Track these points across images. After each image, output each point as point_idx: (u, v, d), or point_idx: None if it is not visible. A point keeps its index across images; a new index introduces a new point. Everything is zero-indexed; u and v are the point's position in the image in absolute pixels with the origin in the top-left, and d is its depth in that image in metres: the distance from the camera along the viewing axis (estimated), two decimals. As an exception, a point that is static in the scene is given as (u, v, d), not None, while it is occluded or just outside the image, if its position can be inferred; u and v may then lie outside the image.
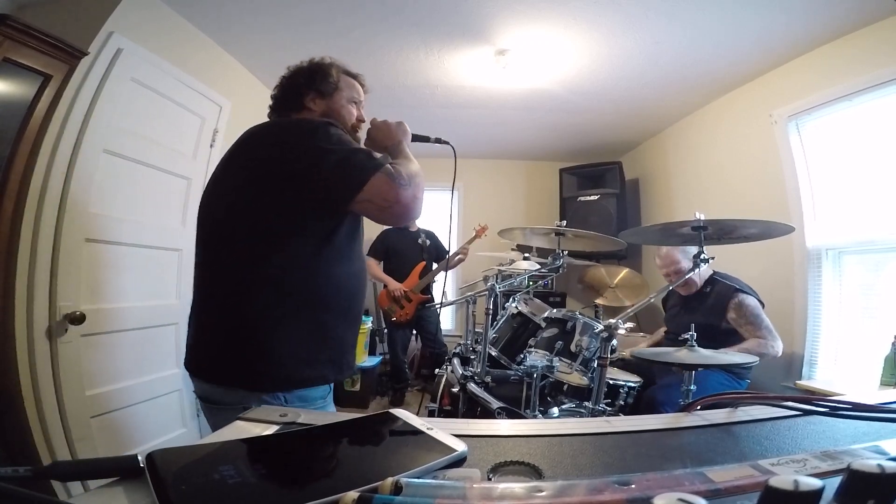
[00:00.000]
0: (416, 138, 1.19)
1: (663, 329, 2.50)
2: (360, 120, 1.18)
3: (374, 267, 3.52)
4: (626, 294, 3.42)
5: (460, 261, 3.49)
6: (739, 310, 2.07)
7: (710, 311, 2.13)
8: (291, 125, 1.02)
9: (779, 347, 2.02)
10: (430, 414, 2.04)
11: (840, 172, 2.30)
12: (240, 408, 0.79)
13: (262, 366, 0.92)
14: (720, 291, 2.15)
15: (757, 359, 1.47)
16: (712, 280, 2.22)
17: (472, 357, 2.13)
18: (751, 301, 2.09)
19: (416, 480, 0.36)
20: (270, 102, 1.18)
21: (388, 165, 0.95)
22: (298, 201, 0.92)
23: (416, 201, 0.97)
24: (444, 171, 5.10)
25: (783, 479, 0.23)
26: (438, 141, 1.23)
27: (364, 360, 3.55)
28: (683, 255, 2.24)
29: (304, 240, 0.94)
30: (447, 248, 3.72)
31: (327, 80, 1.13)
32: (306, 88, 1.12)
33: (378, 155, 0.96)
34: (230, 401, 0.92)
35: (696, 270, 1.31)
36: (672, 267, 2.25)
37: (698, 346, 1.33)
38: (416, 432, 0.48)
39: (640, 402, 1.96)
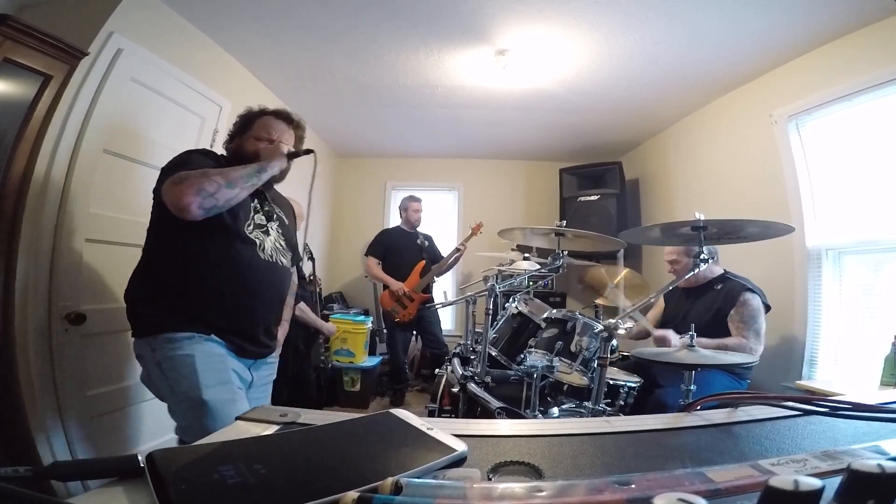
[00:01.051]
0: (291, 156, 1.42)
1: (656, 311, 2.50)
2: (271, 141, 1.46)
3: (375, 267, 3.52)
4: (626, 294, 3.42)
5: (458, 258, 3.52)
6: (741, 307, 2.08)
7: (721, 304, 2.13)
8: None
9: (758, 352, 2.01)
10: (430, 414, 2.04)
11: (840, 172, 2.30)
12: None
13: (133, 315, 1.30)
14: (732, 287, 2.16)
15: (757, 359, 1.47)
16: (723, 278, 2.22)
17: (472, 357, 2.13)
18: (755, 302, 2.09)
19: (416, 480, 0.36)
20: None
21: (180, 174, 1.22)
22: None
23: (179, 192, 1.18)
24: (444, 171, 5.11)
25: (783, 479, 0.23)
26: (307, 152, 1.45)
27: (364, 360, 3.55)
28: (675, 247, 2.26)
29: (167, 226, 1.26)
30: (440, 253, 3.74)
31: (239, 127, 1.52)
32: (232, 134, 1.54)
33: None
34: (136, 351, 1.31)
35: (697, 270, 1.30)
36: (674, 256, 2.27)
37: (698, 334, 1.33)
38: (416, 432, 0.48)
39: (645, 404, 1.95)
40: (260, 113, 1.51)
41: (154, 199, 1.31)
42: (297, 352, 2.53)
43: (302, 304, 2.38)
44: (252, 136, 1.46)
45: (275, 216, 1.48)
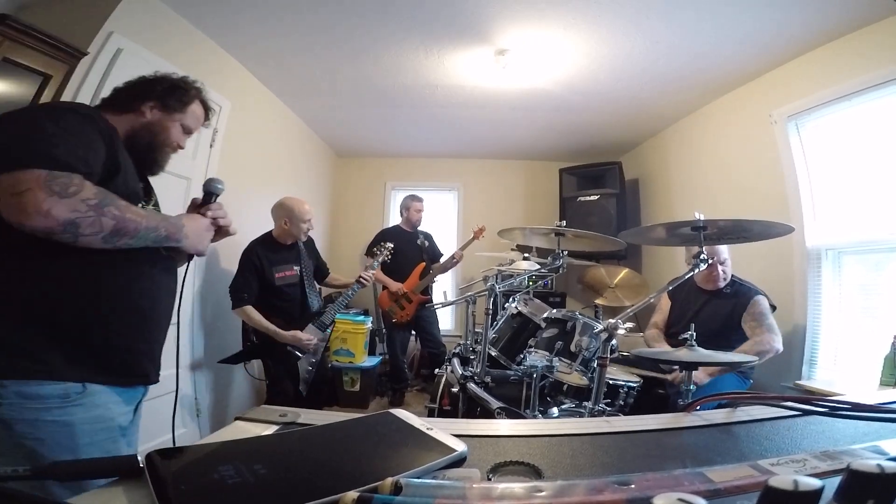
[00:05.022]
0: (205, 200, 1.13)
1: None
2: (180, 147, 1.16)
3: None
4: (625, 294, 3.42)
5: (455, 263, 3.53)
6: (752, 308, 2.11)
7: (733, 309, 2.14)
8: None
9: (778, 344, 2.04)
10: (430, 414, 2.04)
11: (840, 172, 2.30)
12: None
13: None
14: (742, 292, 2.17)
15: (756, 358, 1.47)
16: (731, 282, 2.23)
17: (472, 357, 2.13)
18: (764, 302, 2.12)
19: (415, 480, 0.36)
20: (108, 95, 1.13)
21: (51, 169, 0.80)
22: None
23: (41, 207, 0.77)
24: (444, 171, 5.10)
25: (783, 479, 0.23)
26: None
27: (364, 360, 3.55)
28: (725, 246, 2.20)
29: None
30: (440, 251, 3.74)
31: (180, 100, 1.12)
32: (153, 97, 1.10)
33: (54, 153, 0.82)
34: None
35: (696, 270, 1.30)
36: (719, 257, 2.19)
37: (712, 344, 1.33)
38: (416, 432, 0.48)
39: (656, 402, 1.93)
40: (195, 93, 1.16)
41: None
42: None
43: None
44: (179, 123, 1.12)
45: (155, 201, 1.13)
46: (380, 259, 2.74)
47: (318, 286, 2.65)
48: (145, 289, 1.00)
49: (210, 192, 1.13)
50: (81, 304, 0.89)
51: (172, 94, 1.11)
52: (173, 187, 2.25)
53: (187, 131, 1.16)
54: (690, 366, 1.28)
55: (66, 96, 1.69)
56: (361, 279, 2.58)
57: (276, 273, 2.34)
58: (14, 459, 0.80)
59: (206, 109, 1.20)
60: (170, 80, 1.14)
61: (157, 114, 1.10)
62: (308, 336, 2.35)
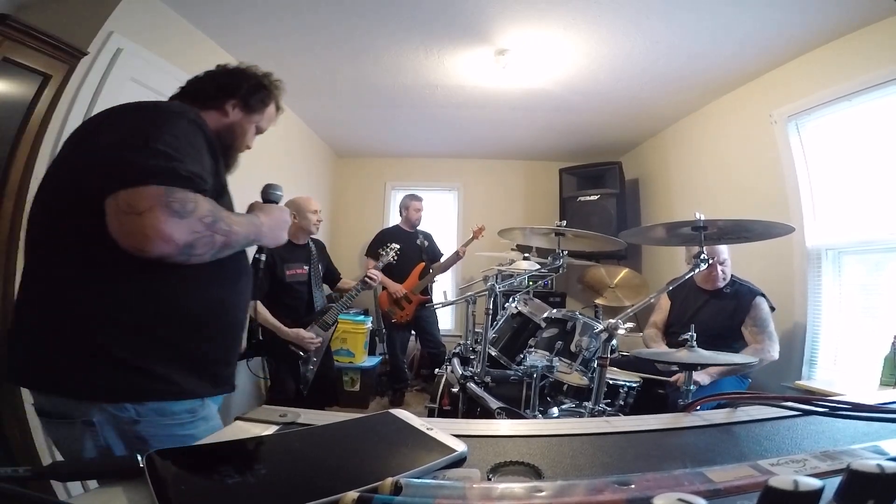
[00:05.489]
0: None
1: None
2: (248, 147, 1.13)
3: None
4: (626, 294, 3.42)
5: (455, 262, 3.54)
6: (754, 311, 2.10)
7: (734, 311, 2.13)
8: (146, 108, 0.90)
9: (775, 353, 2.04)
10: (430, 414, 2.04)
11: (840, 172, 2.30)
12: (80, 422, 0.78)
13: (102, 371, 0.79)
14: (743, 292, 2.16)
15: (756, 360, 1.47)
16: (731, 282, 2.22)
17: (472, 357, 2.13)
18: (765, 306, 2.12)
19: (415, 480, 0.36)
20: (191, 80, 1.08)
21: (171, 186, 0.74)
22: None
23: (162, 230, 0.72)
24: (444, 171, 5.10)
25: (783, 479, 0.23)
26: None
27: (364, 360, 3.54)
28: (725, 246, 2.20)
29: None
30: (440, 251, 3.74)
31: (262, 101, 1.09)
32: (238, 94, 1.06)
33: (175, 168, 0.76)
34: (66, 410, 0.80)
35: (696, 270, 1.30)
36: (718, 257, 2.19)
37: (712, 345, 1.33)
38: (416, 432, 0.48)
39: (656, 402, 1.93)
40: (276, 94, 1.13)
41: (90, 191, 0.75)
42: (327, 352, 2.55)
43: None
44: (255, 124, 1.10)
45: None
46: (385, 260, 2.75)
47: (324, 288, 2.66)
48: (241, 302, 1.00)
49: (268, 200, 1.10)
50: (195, 323, 0.88)
51: (256, 93, 1.08)
52: (173, 187, 2.25)
53: (259, 132, 1.13)
54: (690, 367, 1.28)
55: (67, 96, 1.69)
56: (368, 279, 2.58)
57: (287, 270, 2.38)
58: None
59: (280, 108, 1.16)
60: (255, 77, 1.10)
61: (239, 114, 1.06)
62: (310, 335, 2.35)
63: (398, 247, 2.71)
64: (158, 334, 0.83)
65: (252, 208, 1.04)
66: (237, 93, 1.05)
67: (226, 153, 1.03)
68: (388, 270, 3.47)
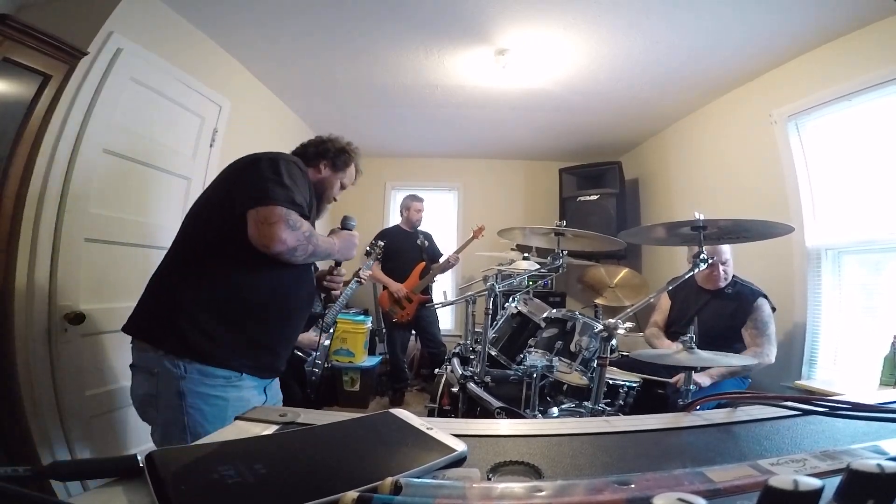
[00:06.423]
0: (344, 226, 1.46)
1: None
2: (335, 199, 1.48)
3: (374, 268, 3.52)
4: (625, 294, 3.42)
5: (451, 266, 3.54)
6: (755, 313, 2.09)
7: (735, 311, 2.12)
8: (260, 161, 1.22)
9: (772, 356, 2.03)
10: (430, 414, 2.04)
11: (840, 172, 2.30)
12: (146, 371, 1.12)
13: (178, 329, 1.11)
14: (744, 293, 2.15)
15: (755, 361, 1.47)
16: (733, 282, 2.22)
17: (472, 357, 2.13)
18: (766, 308, 2.11)
19: (415, 480, 0.36)
20: (299, 146, 1.49)
21: (289, 209, 1.12)
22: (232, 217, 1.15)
23: (280, 239, 1.10)
24: (444, 171, 5.10)
25: (783, 478, 0.23)
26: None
27: (364, 359, 3.54)
28: (727, 246, 2.18)
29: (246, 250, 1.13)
30: (440, 250, 3.74)
31: (345, 162, 1.46)
32: (328, 156, 1.44)
33: (294, 200, 1.15)
34: (142, 362, 1.14)
35: (696, 270, 1.30)
36: (720, 257, 2.17)
37: (713, 346, 1.32)
38: (416, 432, 0.48)
39: (656, 402, 1.93)
40: (355, 157, 1.49)
41: (227, 210, 1.14)
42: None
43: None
44: (339, 181, 1.46)
45: None
46: (373, 258, 2.75)
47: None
48: (298, 305, 1.30)
49: (344, 227, 1.44)
50: (253, 311, 1.18)
51: (340, 156, 1.45)
52: (175, 187, 2.25)
53: (342, 187, 1.49)
54: (689, 368, 1.28)
55: (67, 96, 1.69)
56: (359, 277, 2.59)
57: None
58: (163, 417, 1.12)
59: (359, 170, 1.54)
60: (339, 143, 1.47)
61: (328, 171, 1.44)
62: (311, 337, 2.35)
63: (382, 243, 2.73)
64: (223, 311, 1.14)
65: (332, 233, 1.41)
66: (327, 155, 1.44)
67: (319, 200, 1.39)
68: (388, 270, 3.48)
